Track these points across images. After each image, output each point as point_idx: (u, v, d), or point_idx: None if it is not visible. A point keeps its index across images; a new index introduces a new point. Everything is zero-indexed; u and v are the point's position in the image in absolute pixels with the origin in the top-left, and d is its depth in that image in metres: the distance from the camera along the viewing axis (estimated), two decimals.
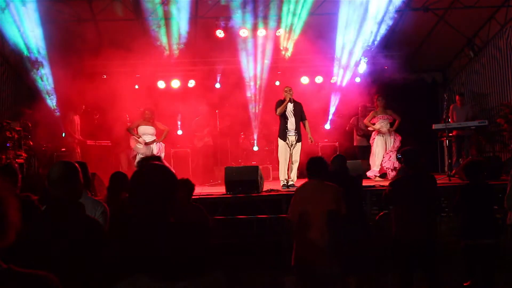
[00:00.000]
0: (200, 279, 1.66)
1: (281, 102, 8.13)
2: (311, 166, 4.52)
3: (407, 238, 4.57)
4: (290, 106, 8.09)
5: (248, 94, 10.84)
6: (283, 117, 8.11)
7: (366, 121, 9.39)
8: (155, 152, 8.70)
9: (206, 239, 1.86)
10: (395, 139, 9.07)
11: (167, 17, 9.63)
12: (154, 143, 8.80)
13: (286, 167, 8.15)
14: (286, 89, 8.22)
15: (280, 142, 8.17)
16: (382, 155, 9.01)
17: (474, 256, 4.73)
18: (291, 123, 8.09)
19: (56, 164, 2.62)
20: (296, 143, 8.08)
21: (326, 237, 4.25)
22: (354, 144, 10.47)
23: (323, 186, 4.43)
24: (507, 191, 4.86)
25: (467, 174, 4.87)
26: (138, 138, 8.82)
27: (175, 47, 10.09)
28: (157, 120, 9.13)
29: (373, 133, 9.26)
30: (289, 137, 8.10)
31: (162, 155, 8.80)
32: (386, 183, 7.74)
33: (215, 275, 1.70)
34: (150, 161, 2.43)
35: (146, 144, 8.77)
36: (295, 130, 8.08)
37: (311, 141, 8.24)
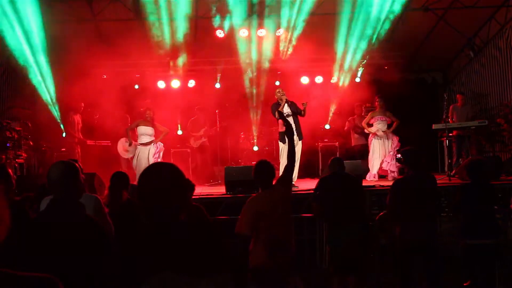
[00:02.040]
0: (220, 275, 1.68)
1: (275, 105, 8.12)
2: (264, 175, 3.99)
3: (408, 238, 4.57)
4: (286, 109, 8.08)
5: (248, 94, 10.84)
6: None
7: (363, 123, 9.35)
8: (152, 152, 8.69)
9: (219, 238, 1.87)
10: (392, 140, 9.03)
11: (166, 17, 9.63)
12: (152, 144, 8.79)
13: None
14: (279, 90, 8.17)
15: (281, 144, 8.18)
16: (381, 158, 8.98)
17: (474, 256, 4.73)
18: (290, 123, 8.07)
19: (55, 164, 2.60)
20: (298, 143, 8.08)
21: (283, 241, 3.93)
22: (352, 144, 10.46)
23: (274, 193, 3.98)
24: None
25: (469, 173, 4.87)
26: (126, 141, 8.93)
27: (175, 47, 10.09)
28: (157, 121, 9.13)
29: (370, 135, 9.24)
30: None
31: (161, 154, 8.80)
32: (386, 183, 7.76)
33: (228, 273, 1.72)
34: None
35: (145, 144, 8.76)
36: (294, 130, 8.07)
37: (304, 105, 8.02)
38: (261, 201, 3.92)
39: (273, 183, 4.05)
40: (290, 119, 8.09)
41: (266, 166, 4.01)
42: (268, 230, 3.83)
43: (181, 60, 10.56)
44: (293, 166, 4.21)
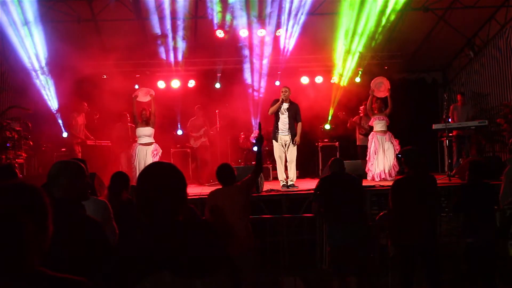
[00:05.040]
0: (215, 276, 1.68)
1: (274, 101, 8.09)
2: (222, 175, 4.66)
3: (408, 238, 4.57)
4: (284, 106, 8.03)
5: (248, 94, 10.84)
6: (276, 117, 8.08)
7: (368, 104, 9.23)
8: (150, 153, 8.63)
9: (216, 237, 1.87)
10: (392, 142, 8.96)
11: (166, 17, 9.63)
12: (153, 145, 8.74)
13: (283, 167, 8.13)
14: (282, 89, 8.15)
15: (274, 142, 8.17)
16: (381, 157, 8.92)
17: (474, 256, 4.73)
18: (283, 122, 8.00)
19: (57, 163, 2.59)
20: (290, 143, 8.02)
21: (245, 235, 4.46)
22: (357, 144, 10.42)
23: (231, 189, 4.60)
24: (501, 191, 4.89)
25: (469, 173, 4.87)
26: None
27: (175, 47, 10.11)
28: (156, 120, 9.10)
29: (370, 134, 9.20)
30: (282, 136, 8.04)
31: (157, 158, 8.71)
32: (386, 183, 7.76)
33: (227, 273, 1.72)
34: None
35: (144, 145, 8.71)
36: (288, 130, 7.99)
37: (295, 143, 8.06)
38: (217, 194, 4.65)
39: (237, 183, 4.68)
40: (284, 118, 8.05)
41: (225, 168, 4.69)
42: (221, 221, 4.39)
43: (181, 60, 10.54)
44: (259, 172, 4.85)
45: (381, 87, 9.11)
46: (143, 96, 8.76)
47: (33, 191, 1.42)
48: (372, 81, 9.27)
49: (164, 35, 9.91)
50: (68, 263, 2.14)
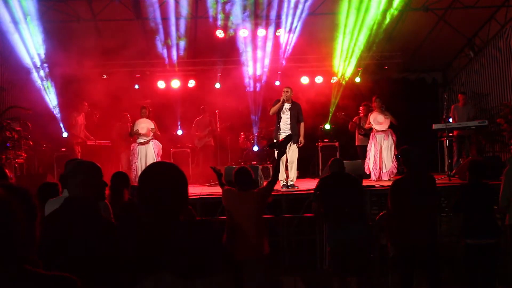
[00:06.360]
0: (216, 276, 1.68)
1: (277, 102, 8.06)
2: (240, 179, 4.60)
3: (408, 238, 4.57)
4: (286, 106, 8.00)
5: (248, 94, 10.84)
6: (277, 117, 8.04)
7: (366, 125, 9.31)
8: (151, 151, 8.63)
9: (218, 238, 1.87)
10: (392, 138, 8.94)
11: (166, 17, 9.63)
12: (151, 142, 8.74)
13: (283, 167, 8.11)
14: (284, 89, 8.11)
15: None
16: (376, 158, 8.91)
17: (474, 256, 4.73)
18: (284, 122, 7.95)
19: (73, 162, 2.60)
20: (292, 143, 7.97)
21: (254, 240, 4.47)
22: (356, 144, 10.40)
23: (247, 195, 4.56)
24: (501, 191, 4.88)
25: (470, 173, 4.87)
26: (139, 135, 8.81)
27: (175, 47, 10.12)
28: (156, 120, 9.12)
29: (371, 135, 9.18)
30: (283, 136, 8.00)
31: (159, 158, 8.69)
32: (386, 183, 7.76)
33: (226, 274, 1.72)
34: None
35: (143, 143, 8.71)
36: (289, 130, 7.93)
37: (300, 144, 8.03)
38: (233, 195, 4.61)
39: (255, 189, 4.66)
40: (286, 118, 8.01)
41: (243, 173, 4.61)
42: (234, 224, 4.48)
43: (181, 60, 10.53)
44: (275, 182, 4.78)
45: (383, 120, 9.03)
46: (145, 137, 8.74)
47: (21, 192, 1.42)
48: (373, 117, 9.14)
49: (164, 35, 9.91)
50: (81, 262, 2.14)
